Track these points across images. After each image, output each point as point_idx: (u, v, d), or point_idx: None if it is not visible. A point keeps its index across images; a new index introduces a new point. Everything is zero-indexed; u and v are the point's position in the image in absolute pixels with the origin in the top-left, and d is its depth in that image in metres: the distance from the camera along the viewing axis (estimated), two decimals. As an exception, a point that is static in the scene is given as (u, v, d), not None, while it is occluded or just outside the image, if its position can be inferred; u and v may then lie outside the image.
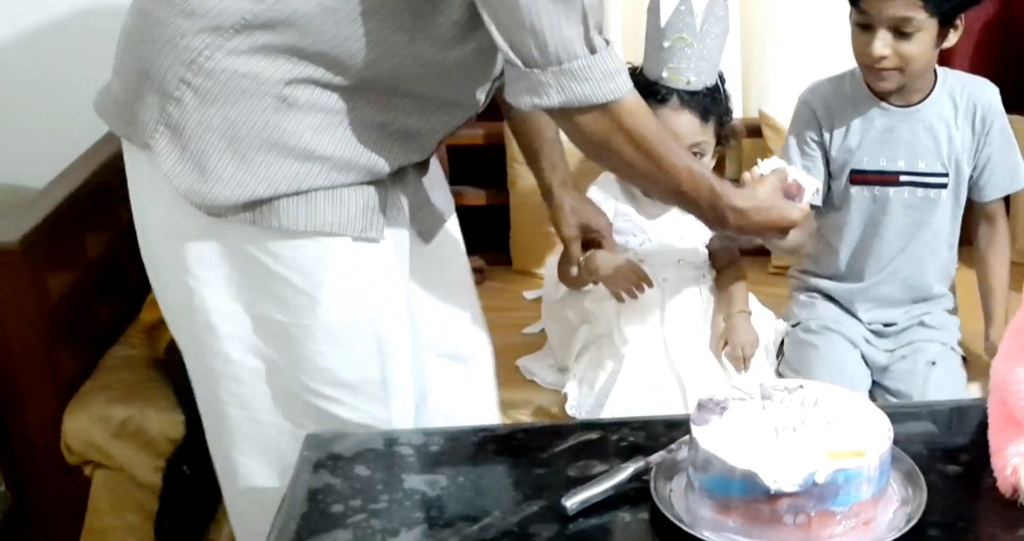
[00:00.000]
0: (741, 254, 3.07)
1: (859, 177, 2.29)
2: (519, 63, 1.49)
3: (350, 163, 1.56)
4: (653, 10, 2.20)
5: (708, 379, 2.19)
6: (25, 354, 2.31)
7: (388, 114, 1.58)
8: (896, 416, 1.39)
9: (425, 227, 1.81)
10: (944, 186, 2.27)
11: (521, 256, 2.99)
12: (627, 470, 1.39)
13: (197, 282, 1.60)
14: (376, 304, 1.65)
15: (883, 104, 2.25)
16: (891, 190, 2.28)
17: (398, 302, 1.69)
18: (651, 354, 2.24)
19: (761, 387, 1.40)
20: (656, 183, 1.65)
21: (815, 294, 2.42)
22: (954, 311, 2.41)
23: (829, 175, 2.31)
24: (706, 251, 2.39)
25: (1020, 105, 3.01)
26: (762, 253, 3.10)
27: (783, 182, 1.76)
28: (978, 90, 2.28)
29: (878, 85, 2.21)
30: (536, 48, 1.47)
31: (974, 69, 3.01)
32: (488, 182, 2.80)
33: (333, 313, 1.61)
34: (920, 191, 2.28)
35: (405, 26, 1.51)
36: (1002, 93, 3.13)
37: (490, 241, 2.92)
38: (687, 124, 2.23)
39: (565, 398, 2.24)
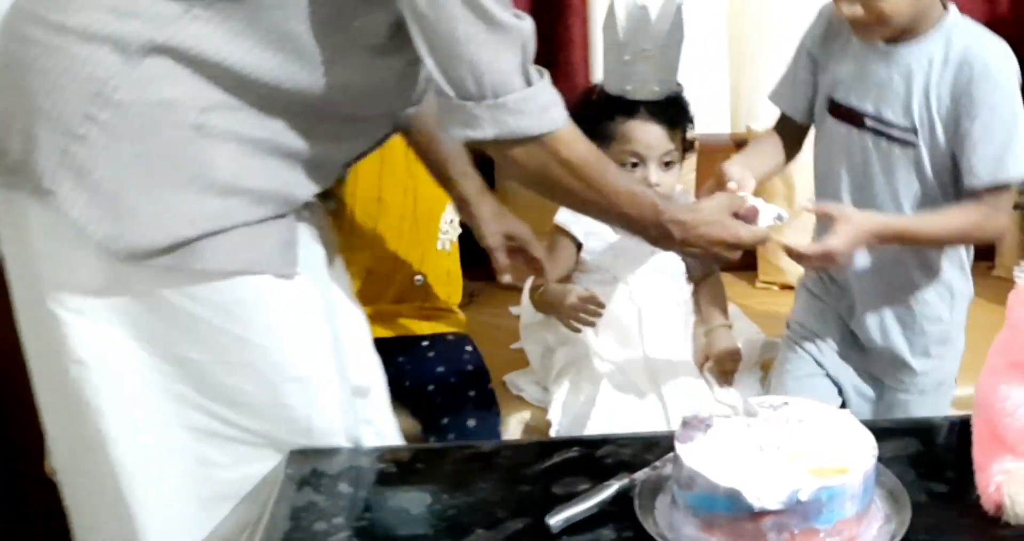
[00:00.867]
0: (727, 268, 3.09)
1: (834, 108, 2.07)
2: (453, 95, 1.47)
3: (269, 194, 1.50)
4: (609, 26, 2.21)
5: (690, 394, 2.19)
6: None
7: (305, 140, 1.52)
8: (881, 433, 1.39)
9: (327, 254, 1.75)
10: (911, 145, 1.98)
11: (509, 271, 2.98)
12: (611, 487, 1.39)
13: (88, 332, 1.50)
14: (302, 341, 1.58)
15: None
16: (855, 132, 2.03)
17: (323, 337, 1.62)
18: (631, 371, 2.24)
19: (746, 404, 1.40)
20: (598, 208, 1.65)
21: (810, 288, 2.28)
22: (948, 343, 2.16)
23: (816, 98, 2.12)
24: (682, 263, 2.40)
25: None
26: (748, 267, 3.12)
27: (737, 204, 1.76)
28: (979, 49, 1.92)
29: (864, 38, 1.98)
30: (472, 81, 1.45)
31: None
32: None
33: (260, 352, 1.53)
34: (884, 143, 2.00)
35: (326, 45, 1.46)
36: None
37: (477, 256, 2.91)
38: (657, 135, 2.25)
39: (549, 424, 2.24)
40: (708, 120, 3.09)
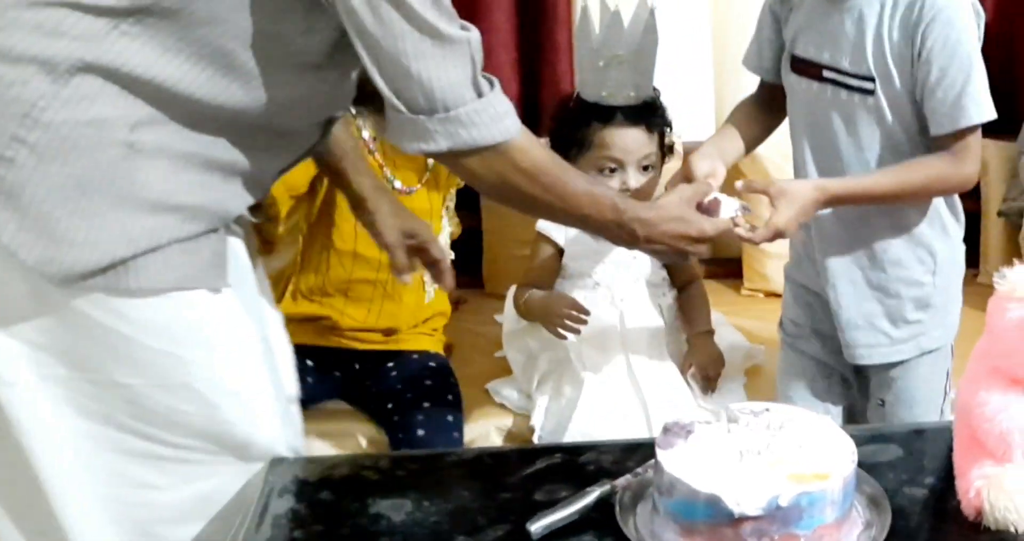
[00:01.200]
0: (712, 276, 3.11)
1: (795, 63, 2.01)
2: (404, 110, 1.46)
3: (202, 209, 1.48)
4: (583, 33, 2.22)
5: (672, 399, 2.19)
6: None
7: (237, 153, 1.50)
8: (862, 439, 1.39)
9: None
10: (870, 93, 1.91)
11: (494, 280, 3.00)
12: (592, 494, 1.38)
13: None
14: (236, 355, 1.55)
15: None
16: (816, 85, 1.98)
17: (256, 349, 1.59)
18: (613, 377, 2.25)
19: (727, 410, 1.40)
20: (558, 213, 1.66)
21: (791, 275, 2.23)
22: (930, 308, 2.05)
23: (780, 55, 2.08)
24: (664, 270, 2.40)
25: (991, 129, 3.04)
26: (733, 275, 3.13)
27: (700, 195, 1.77)
28: None
29: None
30: (422, 96, 1.45)
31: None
32: (461, 205, 2.79)
33: (196, 368, 1.50)
34: (844, 94, 1.94)
35: (261, 61, 1.45)
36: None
37: (463, 264, 2.92)
38: (635, 139, 2.26)
39: (532, 430, 2.24)
40: (692, 126, 3.10)
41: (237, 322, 1.56)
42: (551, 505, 1.37)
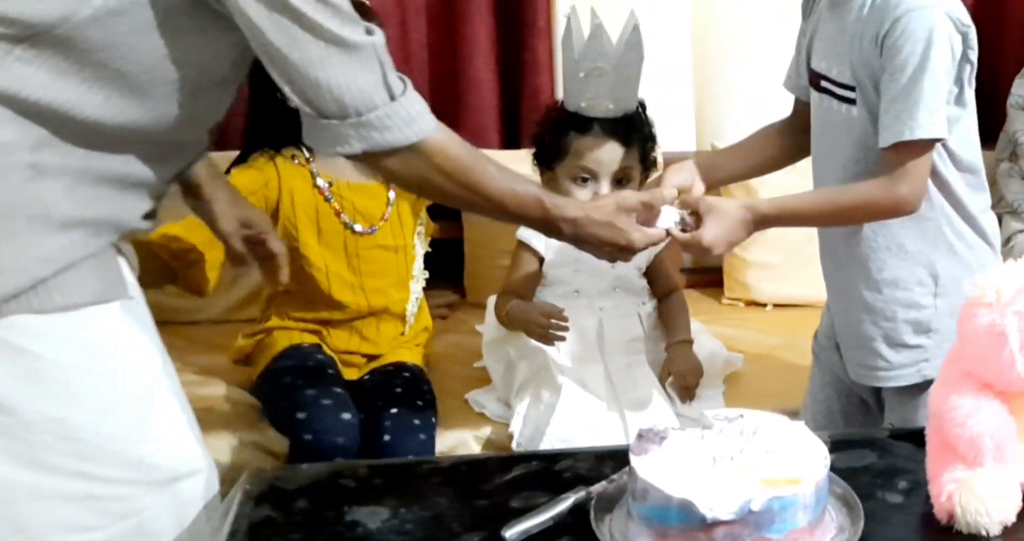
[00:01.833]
0: (692, 285, 3.12)
1: (811, 77, 1.96)
2: (316, 116, 1.47)
3: (105, 222, 1.47)
4: (567, 42, 2.23)
5: (650, 407, 2.20)
6: None
7: (135, 165, 1.49)
8: (837, 444, 1.40)
9: None
10: (852, 102, 1.86)
11: (475, 289, 3.00)
12: (567, 500, 1.39)
13: None
14: (156, 365, 1.54)
15: None
16: (816, 95, 1.94)
17: (164, 356, 1.58)
18: (591, 383, 2.26)
19: (702, 417, 1.41)
20: (481, 209, 1.67)
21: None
22: (932, 334, 1.94)
23: None
24: (644, 279, 2.41)
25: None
26: (714, 284, 3.15)
27: (639, 205, 1.76)
28: None
29: None
30: (333, 103, 1.46)
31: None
32: (442, 215, 2.80)
33: (122, 382, 1.48)
34: (835, 103, 1.89)
35: (159, 81, 1.44)
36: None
37: (444, 274, 2.93)
38: (610, 151, 2.27)
39: (511, 437, 2.25)
40: (673, 137, 3.11)
41: (149, 332, 1.56)
42: (527, 512, 1.38)
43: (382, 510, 1.44)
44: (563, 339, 2.25)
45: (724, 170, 2.07)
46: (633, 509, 1.33)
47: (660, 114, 3.10)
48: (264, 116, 2.42)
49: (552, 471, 1.53)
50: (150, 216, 1.59)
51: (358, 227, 2.46)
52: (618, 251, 1.75)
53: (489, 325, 2.46)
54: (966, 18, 1.81)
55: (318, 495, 1.49)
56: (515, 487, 1.48)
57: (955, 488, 1.35)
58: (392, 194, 2.48)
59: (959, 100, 1.85)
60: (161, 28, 1.41)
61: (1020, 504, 1.37)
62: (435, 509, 1.45)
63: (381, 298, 2.49)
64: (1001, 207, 2.88)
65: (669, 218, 1.81)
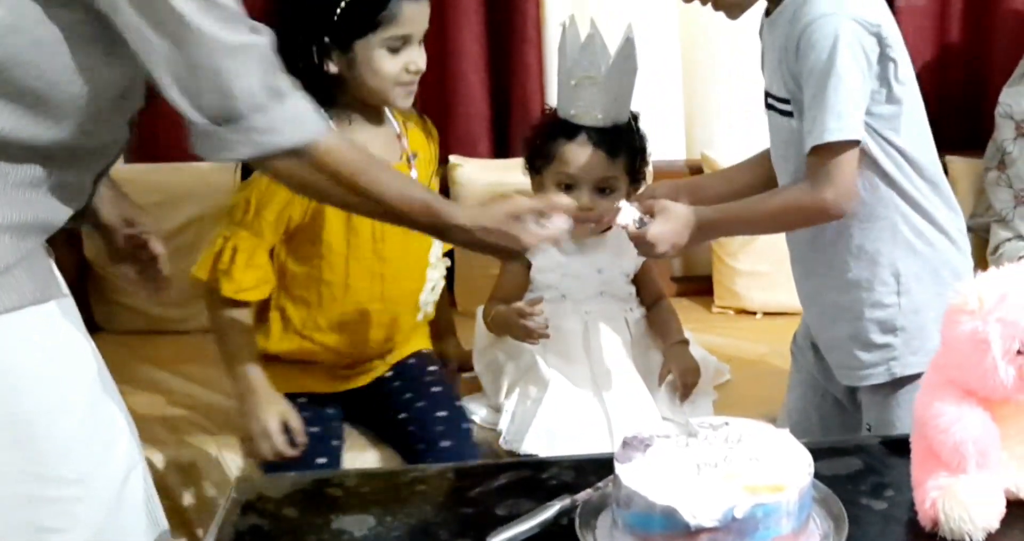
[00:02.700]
0: (682, 293, 3.13)
1: (764, 95, 2.00)
2: (201, 121, 1.47)
3: (33, 225, 1.48)
4: (562, 50, 2.25)
5: (636, 411, 2.21)
6: None
7: (57, 171, 1.50)
8: (822, 452, 1.40)
9: None
10: (791, 115, 1.89)
11: (465, 299, 3.00)
12: (552, 508, 1.39)
13: None
14: (91, 363, 1.55)
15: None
16: (767, 112, 1.98)
17: (96, 353, 1.59)
18: (578, 385, 2.27)
19: (687, 424, 1.42)
20: (370, 212, 1.69)
21: None
22: (899, 332, 1.96)
23: None
24: (631, 286, 2.42)
25: (958, 145, 3.08)
26: (704, 292, 3.15)
27: (528, 208, 1.77)
28: (814, 2, 1.82)
29: (729, 17, 1.97)
30: (218, 107, 1.45)
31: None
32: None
33: (68, 383, 1.49)
34: (778, 117, 1.93)
35: (67, 97, 1.44)
36: (941, 134, 3.19)
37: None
38: (593, 160, 2.27)
39: (499, 435, 2.25)
40: (663, 146, 3.11)
41: (82, 329, 1.57)
42: (512, 519, 1.38)
43: (368, 518, 1.44)
44: (547, 336, 2.26)
45: (710, 190, 2.10)
46: (618, 517, 1.34)
47: (650, 123, 3.12)
48: None
49: (537, 479, 1.53)
50: (78, 216, 1.59)
51: None
52: (511, 255, 1.76)
53: (479, 333, 2.46)
54: (875, 19, 1.83)
55: (305, 503, 1.49)
56: (501, 495, 1.49)
57: (939, 495, 1.36)
58: (414, 172, 2.30)
59: (890, 98, 1.87)
60: (63, 44, 1.41)
61: (1003, 511, 1.37)
62: (421, 517, 1.45)
63: (396, 288, 2.37)
64: (989, 215, 2.89)
65: (628, 216, 1.89)
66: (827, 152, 1.81)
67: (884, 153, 1.88)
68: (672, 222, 1.89)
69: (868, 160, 1.88)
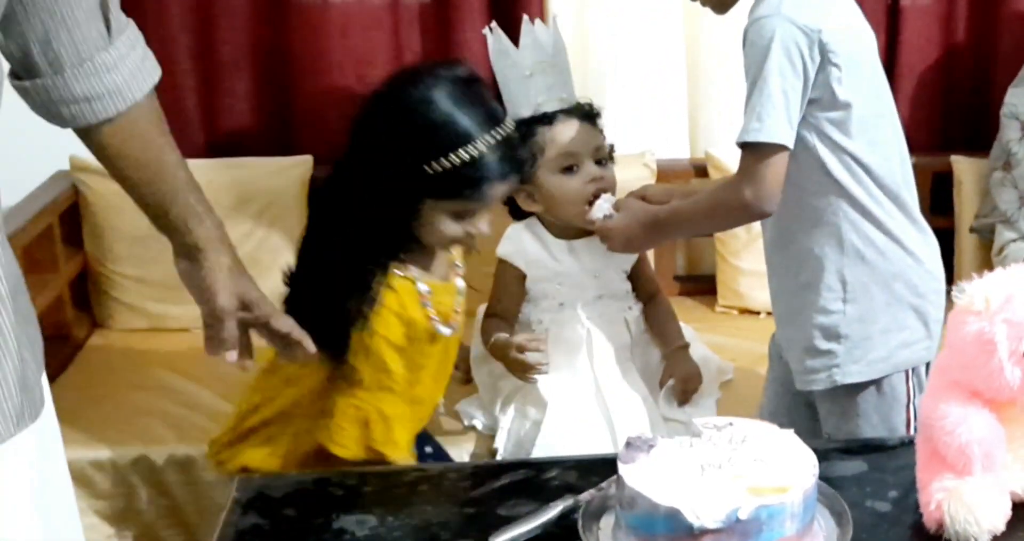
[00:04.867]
0: (685, 292, 3.12)
1: None
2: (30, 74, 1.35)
3: None
4: (499, 53, 2.24)
5: (638, 414, 2.19)
6: None
7: None
8: (827, 453, 1.39)
9: None
10: None
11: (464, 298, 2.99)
12: (555, 509, 1.39)
13: None
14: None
15: None
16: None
17: None
18: (579, 396, 2.24)
19: (691, 425, 1.41)
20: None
21: None
22: (841, 339, 1.95)
23: None
24: (628, 283, 2.40)
25: (963, 146, 3.07)
26: (707, 292, 3.14)
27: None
28: (761, 4, 1.85)
29: (716, 12, 2.02)
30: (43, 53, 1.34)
31: (916, 110, 3.07)
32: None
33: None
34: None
35: None
36: (946, 134, 3.19)
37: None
38: (583, 131, 2.25)
39: (496, 453, 2.24)
40: (667, 144, 3.11)
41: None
42: (514, 520, 1.38)
43: (369, 518, 1.43)
44: (545, 373, 2.18)
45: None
46: (620, 518, 1.33)
47: (654, 120, 3.14)
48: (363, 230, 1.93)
49: (540, 479, 1.52)
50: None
51: (445, 330, 2.02)
52: None
53: (477, 341, 2.43)
54: (816, 23, 1.81)
55: (305, 503, 1.48)
56: (503, 495, 1.48)
57: (944, 497, 1.35)
58: (460, 282, 2.12)
59: (835, 104, 1.85)
60: None
61: (1009, 513, 1.36)
62: (422, 517, 1.45)
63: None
64: (995, 216, 2.88)
65: (600, 210, 2.08)
66: (753, 152, 1.82)
67: (836, 158, 1.87)
68: (630, 217, 1.99)
69: (816, 163, 1.87)
